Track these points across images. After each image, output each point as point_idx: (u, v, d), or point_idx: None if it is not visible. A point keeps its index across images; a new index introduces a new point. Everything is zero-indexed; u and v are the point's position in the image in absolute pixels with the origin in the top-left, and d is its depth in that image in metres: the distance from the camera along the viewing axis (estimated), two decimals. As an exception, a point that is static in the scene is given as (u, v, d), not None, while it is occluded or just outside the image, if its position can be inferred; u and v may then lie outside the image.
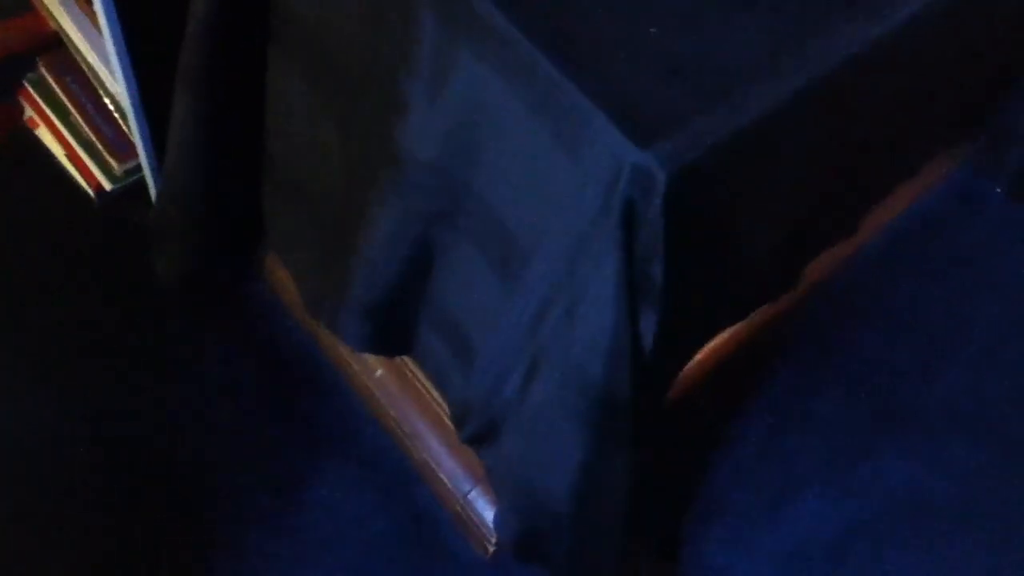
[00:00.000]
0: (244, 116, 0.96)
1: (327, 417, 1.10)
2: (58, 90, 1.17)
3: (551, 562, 0.98)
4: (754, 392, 1.21)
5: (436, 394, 1.04)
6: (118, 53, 0.94)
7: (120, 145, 1.15)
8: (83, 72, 1.12)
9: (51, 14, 1.11)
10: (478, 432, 0.92)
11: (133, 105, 1.00)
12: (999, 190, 1.39)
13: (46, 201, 1.19)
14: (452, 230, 0.82)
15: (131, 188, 1.17)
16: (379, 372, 1.08)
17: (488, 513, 1.04)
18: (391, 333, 0.96)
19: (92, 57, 1.07)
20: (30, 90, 1.18)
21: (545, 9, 0.67)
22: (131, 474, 1.05)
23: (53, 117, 1.17)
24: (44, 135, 1.21)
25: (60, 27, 1.11)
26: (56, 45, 1.15)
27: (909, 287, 1.32)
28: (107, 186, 1.16)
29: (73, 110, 1.16)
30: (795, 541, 1.12)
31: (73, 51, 1.11)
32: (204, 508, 1.03)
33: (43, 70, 1.17)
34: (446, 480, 1.05)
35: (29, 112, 1.21)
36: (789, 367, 1.23)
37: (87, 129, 1.16)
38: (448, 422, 1.02)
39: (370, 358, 1.08)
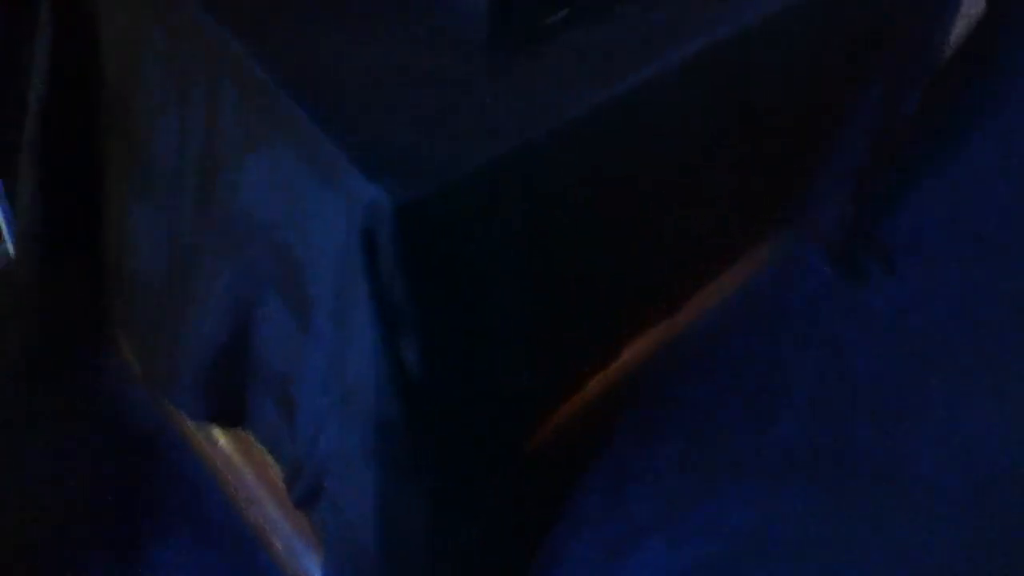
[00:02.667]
0: (84, 193, 1.03)
1: (173, 484, 1.14)
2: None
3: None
4: (597, 446, 1.27)
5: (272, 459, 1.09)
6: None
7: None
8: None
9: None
10: (306, 492, 0.96)
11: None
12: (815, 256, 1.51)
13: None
14: (261, 283, 0.88)
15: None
16: (220, 441, 1.13)
17: (322, 576, 1.07)
18: (225, 402, 1.01)
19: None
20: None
21: (309, 72, 0.75)
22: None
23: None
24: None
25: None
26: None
27: (739, 344, 1.41)
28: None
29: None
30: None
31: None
32: (47, 565, 1.06)
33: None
34: (281, 546, 1.09)
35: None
36: (630, 420, 1.30)
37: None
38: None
39: (212, 427, 1.13)
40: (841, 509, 1.25)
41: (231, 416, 1.02)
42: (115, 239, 1.02)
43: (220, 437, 1.12)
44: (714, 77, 0.92)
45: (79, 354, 1.19)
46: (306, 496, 0.96)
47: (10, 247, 1.14)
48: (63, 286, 1.08)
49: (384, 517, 0.87)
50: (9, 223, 1.13)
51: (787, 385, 1.38)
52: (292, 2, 0.81)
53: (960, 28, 1.63)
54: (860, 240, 1.53)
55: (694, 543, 1.20)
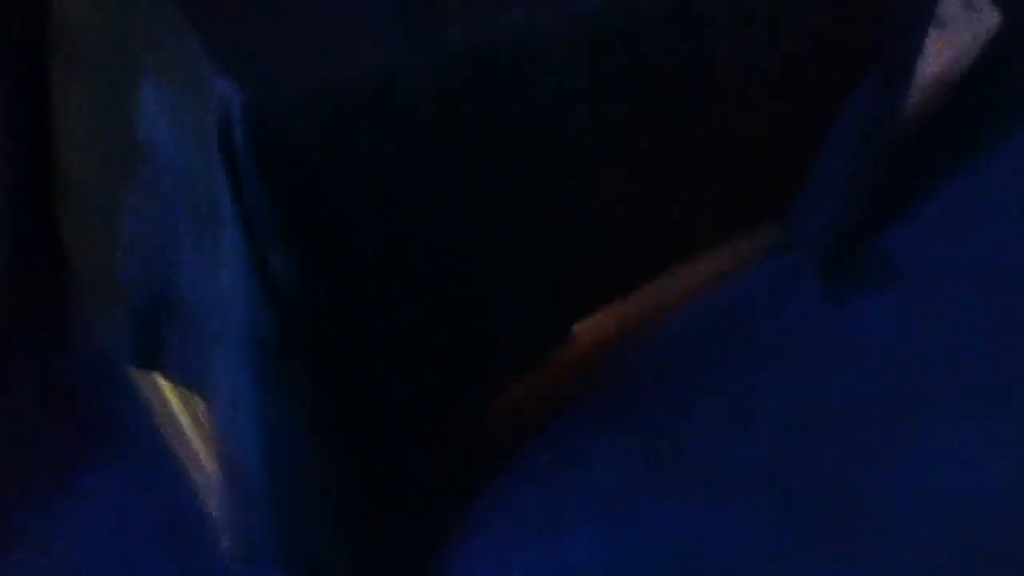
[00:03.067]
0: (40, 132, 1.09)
1: (109, 416, 1.19)
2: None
3: (273, 556, 1.03)
4: (547, 431, 1.26)
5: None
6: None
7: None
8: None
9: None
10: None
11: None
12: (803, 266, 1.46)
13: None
14: (170, 211, 0.92)
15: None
16: (160, 381, 1.17)
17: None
18: (145, 341, 1.04)
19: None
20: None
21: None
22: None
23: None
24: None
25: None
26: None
27: (714, 353, 1.38)
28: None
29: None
30: (556, 567, 1.15)
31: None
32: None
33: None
34: (202, 478, 1.12)
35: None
36: (586, 412, 1.29)
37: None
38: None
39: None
40: (793, 534, 1.22)
41: (150, 357, 1.06)
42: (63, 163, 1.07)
43: (159, 379, 1.17)
44: (661, 28, 0.92)
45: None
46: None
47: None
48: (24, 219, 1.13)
49: (266, 439, 0.89)
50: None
51: (760, 401, 1.34)
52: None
53: (972, 43, 1.60)
54: (852, 254, 1.50)
55: (630, 538, 1.18)
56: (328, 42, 0.77)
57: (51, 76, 1.04)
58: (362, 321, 0.90)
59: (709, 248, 1.38)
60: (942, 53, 1.55)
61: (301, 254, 0.79)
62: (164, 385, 1.14)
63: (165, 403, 1.15)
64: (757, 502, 1.24)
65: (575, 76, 0.90)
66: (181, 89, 0.78)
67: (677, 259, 1.32)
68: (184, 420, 1.13)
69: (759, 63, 1.12)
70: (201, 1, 0.76)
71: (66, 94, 1.01)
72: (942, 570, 1.21)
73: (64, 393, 1.20)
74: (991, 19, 1.61)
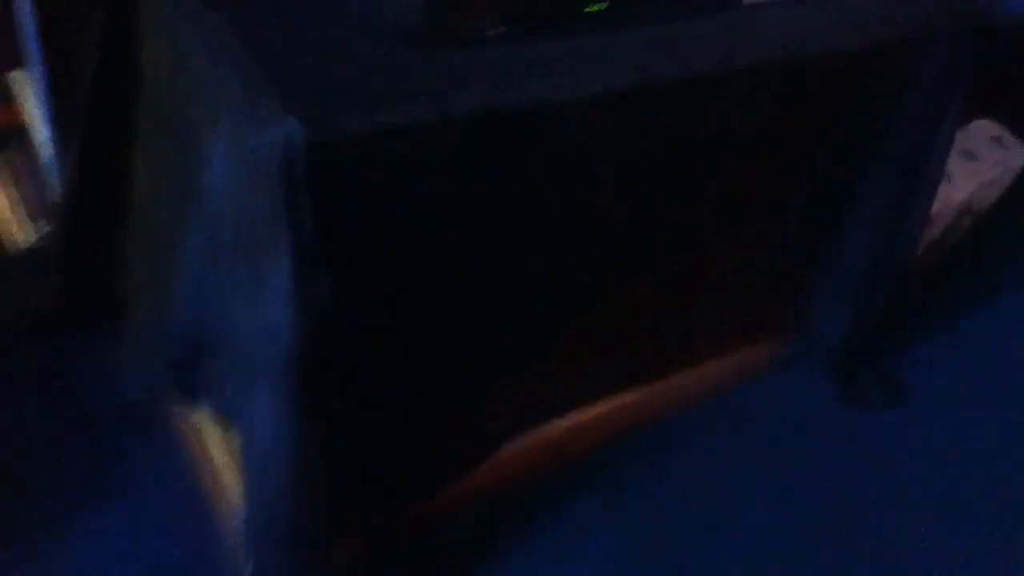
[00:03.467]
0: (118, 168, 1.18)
1: (146, 450, 1.25)
2: (14, 170, 1.45)
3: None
4: (535, 520, 1.29)
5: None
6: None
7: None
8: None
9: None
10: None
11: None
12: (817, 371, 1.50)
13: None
14: (221, 248, 1.00)
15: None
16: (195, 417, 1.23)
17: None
18: (184, 375, 1.11)
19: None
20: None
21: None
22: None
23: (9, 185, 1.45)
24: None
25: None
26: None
27: (714, 447, 1.41)
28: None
29: (23, 184, 1.44)
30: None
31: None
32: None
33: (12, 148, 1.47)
34: (230, 515, 1.17)
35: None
36: (575, 506, 1.31)
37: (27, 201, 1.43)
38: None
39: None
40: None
41: (193, 388, 1.12)
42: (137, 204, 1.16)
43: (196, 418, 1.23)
44: (660, 117, 0.99)
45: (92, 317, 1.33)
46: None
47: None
48: (90, 251, 1.22)
49: (298, 463, 0.94)
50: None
51: (752, 500, 1.36)
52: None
53: (1000, 177, 1.67)
54: (868, 362, 1.54)
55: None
56: (382, 86, 0.85)
57: (134, 122, 1.14)
58: (396, 349, 0.96)
59: (719, 353, 1.43)
60: (970, 183, 1.61)
61: (344, 282, 0.85)
62: (200, 424, 1.21)
63: (201, 441, 1.21)
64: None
65: (620, 148, 0.97)
66: (244, 133, 0.86)
67: (683, 360, 1.36)
68: (218, 457, 1.18)
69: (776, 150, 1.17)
70: (265, 49, 0.86)
71: (146, 141, 1.11)
72: None
73: (106, 421, 1.27)
74: (1018, 156, 1.68)
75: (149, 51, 1.07)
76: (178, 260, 1.02)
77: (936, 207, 1.56)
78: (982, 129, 1.72)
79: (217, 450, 1.20)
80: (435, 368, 1.01)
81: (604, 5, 0.95)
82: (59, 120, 1.24)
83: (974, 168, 1.63)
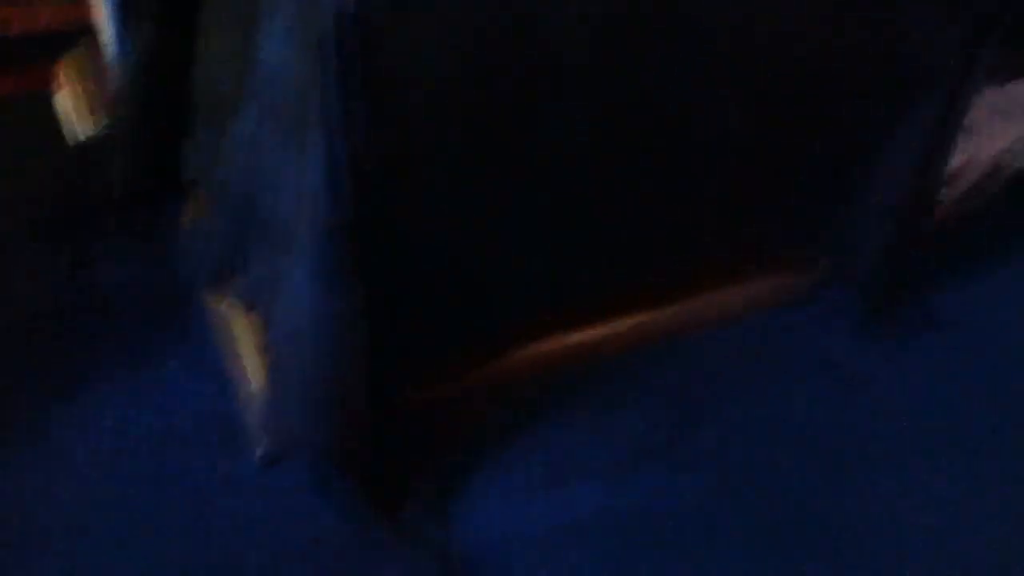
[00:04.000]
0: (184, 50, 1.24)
1: (179, 324, 1.34)
2: (86, 66, 1.53)
3: (311, 448, 1.14)
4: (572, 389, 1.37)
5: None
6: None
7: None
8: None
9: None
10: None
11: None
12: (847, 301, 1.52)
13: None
14: (275, 129, 1.05)
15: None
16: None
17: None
18: (233, 258, 1.18)
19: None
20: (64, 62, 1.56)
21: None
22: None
23: (75, 81, 1.53)
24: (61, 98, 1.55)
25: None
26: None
27: (727, 369, 1.46)
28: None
29: (92, 80, 1.52)
30: (562, 518, 1.24)
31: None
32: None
33: (82, 47, 1.55)
34: (243, 389, 1.24)
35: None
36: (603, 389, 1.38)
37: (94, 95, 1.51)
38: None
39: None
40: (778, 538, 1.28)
41: (231, 269, 1.20)
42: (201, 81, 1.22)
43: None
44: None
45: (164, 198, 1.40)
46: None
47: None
48: (160, 127, 1.29)
49: (322, 330, 1.02)
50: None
51: (769, 406, 1.41)
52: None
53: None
54: (898, 297, 1.57)
55: (629, 499, 1.26)
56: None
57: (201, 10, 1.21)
58: (423, 231, 1.02)
59: (747, 276, 1.48)
60: (1002, 139, 1.63)
61: (383, 154, 0.92)
62: (228, 307, 1.28)
63: (228, 323, 1.29)
64: (747, 494, 1.31)
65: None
66: (299, 11, 0.93)
67: (708, 283, 1.42)
68: (240, 338, 1.26)
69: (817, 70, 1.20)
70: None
71: (210, 23, 1.18)
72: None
73: (147, 291, 1.37)
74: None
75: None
76: (234, 136, 1.09)
77: (964, 161, 1.60)
78: (1018, 89, 1.74)
79: (242, 332, 1.28)
80: (460, 249, 1.07)
81: None
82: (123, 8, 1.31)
83: (1006, 126, 1.65)
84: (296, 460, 1.18)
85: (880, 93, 1.28)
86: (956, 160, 1.58)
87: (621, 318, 1.38)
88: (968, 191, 1.69)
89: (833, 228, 1.44)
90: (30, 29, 1.55)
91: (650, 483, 1.29)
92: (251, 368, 1.24)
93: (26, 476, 1.19)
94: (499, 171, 1.05)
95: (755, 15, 1.08)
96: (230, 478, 1.21)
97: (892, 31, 1.21)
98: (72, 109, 1.53)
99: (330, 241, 0.95)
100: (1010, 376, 1.53)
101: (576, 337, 1.35)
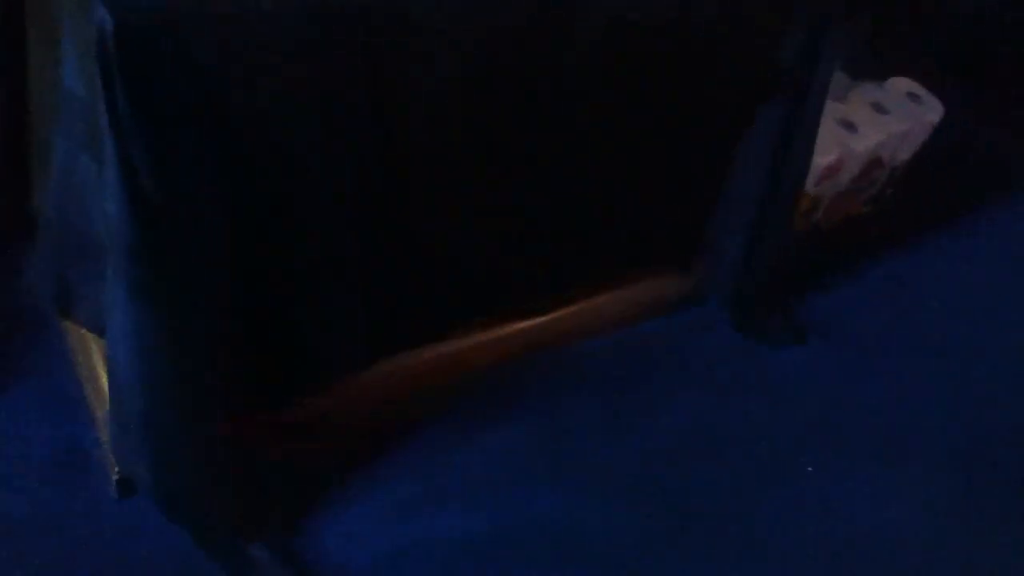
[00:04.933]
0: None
1: (30, 350, 1.31)
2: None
3: (148, 488, 1.11)
4: (435, 419, 1.34)
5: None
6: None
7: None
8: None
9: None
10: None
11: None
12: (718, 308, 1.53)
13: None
14: (78, 147, 1.03)
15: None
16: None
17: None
18: (62, 284, 1.15)
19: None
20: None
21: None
22: None
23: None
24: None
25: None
26: None
27: (614, 371, 1.44)
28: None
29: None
30: (415, 540, 1.21)
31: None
32: None
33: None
34: (102, 419, 1.21)
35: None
36: (478, 407, 1.35)
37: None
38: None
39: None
40: (664, 535, 1.27)
41: (65, 300, 1.17)
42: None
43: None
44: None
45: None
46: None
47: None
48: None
49: (139, 350, 0.98)
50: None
51: (655, 418, 1.39)
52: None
53: (915, 132, 1.69)
54: (768, 299, 1.56)
55: (491, 518, 1.24)
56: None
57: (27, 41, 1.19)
58: (225, 241, 0.99)
59: (621, 281, 1.47)
60: (877, 134, 1.63)
61: (166, 169, 0.89)
62: (83, 331, 1.25)
63: (83, 346, 1.26)
64: (630, 501, 1.29)
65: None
66: (85, 34, 0.90)
67: (581, 286, 1.40)
68: (97, 361, 1.23)
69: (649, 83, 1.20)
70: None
71: (32, 52, 1.15)
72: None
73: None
74: (934, 111, 1.70)
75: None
76: (52, 162, 1.07)
77: (839, 155, 1.60)
78: (898, 85, 1.74)
79: (97, 353, 1.24)
80: (284, 266, 1.05)
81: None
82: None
83: (883, 120, 1.65)
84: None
85: (728, 95, 1.27)
86: (831, 156, 1.58)
87: (493, 328, 1.37)
88: (854, 186, 1.69)
89: (699, 234, 1.43)
90: None
91: (513, 501, 1.27)
92: (106, 391, 1.21)
93: None
94: (327, 181, 1.02)
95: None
96: (77, 513, 1.17)
97: (735, 34, 1.21)
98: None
99: (134, 262, 0.93)
100: (885, 381, 1.52)
101: (447, 348, 1.33)
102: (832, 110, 1.62)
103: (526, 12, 1.03)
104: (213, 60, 0.87)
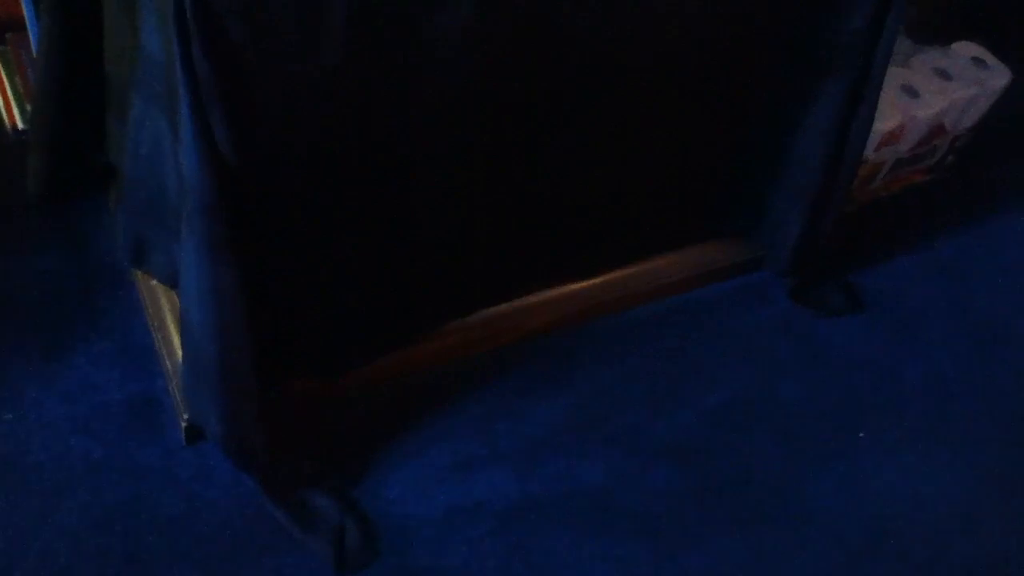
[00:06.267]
0: (94, 39, 1.25)
1: (109, 306, 1.35)
2: (12, 60, 1.55)
3: (214, 430, 1.16)
4: (482, 380, 1.36)
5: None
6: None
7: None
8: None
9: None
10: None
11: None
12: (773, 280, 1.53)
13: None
14: (160, 109, 1.06)
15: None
16: (154, 280, 1.33)
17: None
18: (141, 241, 1.20)
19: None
20: (-7, 56, 1.58)
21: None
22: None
23: (3, 76, 1.55)
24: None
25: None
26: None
27: (660, 339, 1.45)
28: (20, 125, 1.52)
29: (18, 74, 1.54)
30: (467, 501, 1.25)
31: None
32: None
33: (8, 45, 1.57)
34: (172, 369, 1.26)
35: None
36: (529, 375, 1.37)
37: (22, 89, 1.53)
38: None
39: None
40: (703, 505, 1.28)
41: (140, 253, 1.21)
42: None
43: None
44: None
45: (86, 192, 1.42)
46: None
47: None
48: (73, 116, 1.30)
49: (214, 305, 1.02)
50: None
51: (701, 388, 1.40)
52: None
53: (979, 99, 1.66)
54: (827, 269, 1.56)
55: (539, 483, 1.27)
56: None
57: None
58: (310, 208, 1.03)
59: (675, 247, 1.48)
60: (940, 101, 1.61)
61: (240, 126, 0.92)
62: (156, 284, 1.30)
63: (153, 300, 1.30)
64: (674, 471, 1.31)
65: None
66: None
67: (638, 252, 1.42)
68: (168, 315, 1.28)
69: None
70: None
71: (108, 13, 1.19)
72: (842, 567, 1.25)
73: (78, 285, 1.37)
74: (1001, 77, 1.67)
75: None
76: (128, 121, 1.10)
77: (900, 122, 1.58)
78: (964, 49, 1.72)
79: (168, 307, 1.29)
80: (352, 231, 1.07)
81: None
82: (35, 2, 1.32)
83: (946, 87, 1.63)
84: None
85: (790, 69, 1.27)
86: (892, 122, 1.57)
87: (549, 288, 1.39)
88: (914, 152, 1.68)
89: (759, 201, 1.43)
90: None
91: (558, 467, 1.29)
92: (176, 346, 1.25)
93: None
94: (390, 153, 1.04)
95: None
96: (150, 457, 1.22)
97: (796, 11, 1.21)
98: (5, 101, 1.55)
99: (206, 219, 0.96)
100: (939, 355, 1.51)
101: (503, 309, 1.35)
102: (894, 75, 1.60)
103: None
104: (287, 24, 0.89)
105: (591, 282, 1.43)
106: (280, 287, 1.08)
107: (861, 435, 1.39)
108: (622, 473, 1.30)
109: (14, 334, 1.31)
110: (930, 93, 1.61)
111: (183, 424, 1.22)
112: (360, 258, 1.12)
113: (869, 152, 1.54)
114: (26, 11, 1.38)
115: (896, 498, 1.33)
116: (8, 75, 1.55)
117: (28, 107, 1.50)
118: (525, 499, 1.25)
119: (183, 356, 1.15)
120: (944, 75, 1.65)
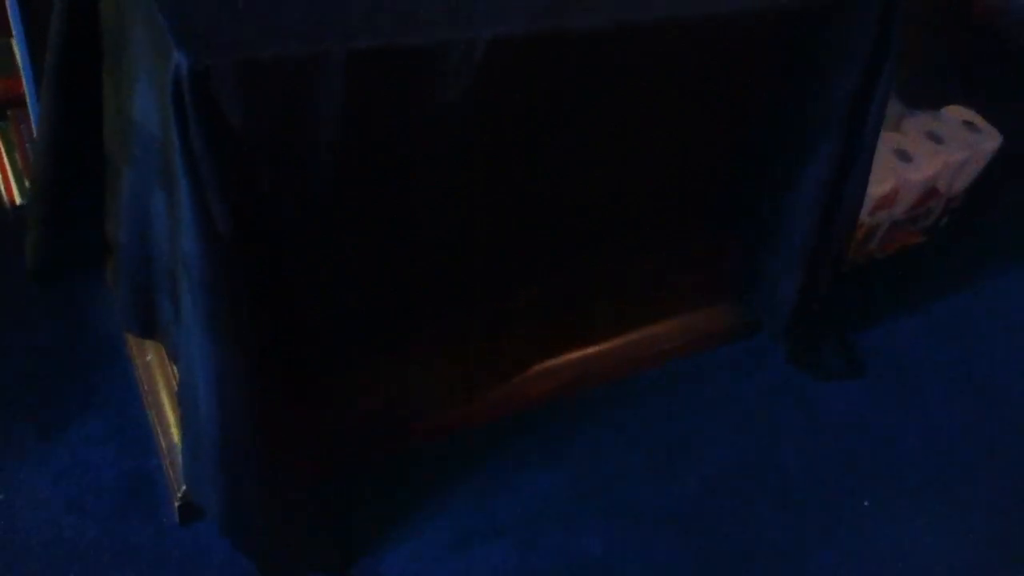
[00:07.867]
0: (92, 117, 1.25)
1: (103, 383, 1.34)
2: (13, 136, 1.57)
3: (214, 510, 1.14)
4: (486, 457, 1.35)
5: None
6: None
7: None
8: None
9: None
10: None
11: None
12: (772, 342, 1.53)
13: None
14: (151, 180, 1.06)
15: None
16: (149, 356, 1.32)
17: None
18: (142, 309, 1.19)
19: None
20: (-6, 132, 1.59)
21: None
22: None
23: (3, 152, 1.57)
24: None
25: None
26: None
27: (662, 406, 1.45)
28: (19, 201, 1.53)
29: (18, 150, 1.55)
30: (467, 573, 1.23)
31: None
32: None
33: (9, 121, 1.58)
34: (167, 447, 1.25)
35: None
36: (525, 446, 1.36)
37: (21, 165, 1.54)
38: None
39: (146, 341, 1.32)
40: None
41: (146, 325, 1.21)
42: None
43: (150, 351, 1.31)
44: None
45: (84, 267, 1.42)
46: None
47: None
48: (70, 193, 1.30)
49: (215, 382, 1.00)
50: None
51: (701, 455, 1.39)
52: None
53: (971, 162, 1.68)
54: (824, 332, 1.56)
55: (538, 555, 1.25)
56: (268, 24, 0.91)
57: (101, 74, 1.23)
58: (294, 273, 1.02)
59: (675, 313, 1.48)
60: (933, 164, 1.62)
61: (237, 202, 0.92)
62: (151, 360, 1.29)
63: (149, 377, 1.30)
64: (675, 543, 1.29)
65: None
66: (160, 73, 0.94)
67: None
68: (163, 392, 1.27)
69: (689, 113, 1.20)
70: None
71: (107, 87, 1.20)
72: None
73: (76, 360, 1.36)
74: (991, 140, 1.69)
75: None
76: (123, 194, 1.10)
77: (894, 185, 1.59)
78: (954, 114, 1.73)
79: (163, 384, 1.29)
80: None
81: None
82: (37, 81, 1.34)
83: (939, 150, 1.64)
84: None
85: (783, 131, 1.28)
86: (886, 185, 1.58)
87: (548, 358, 1.38)
88: (909, 215, 1.68)
89: (753, 265, 1.43)
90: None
91: (558, 540, 1.27)
92: (172, 423, 1.24)
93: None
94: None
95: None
96: (145, 537, 1.20)
97: (785, 83, 1.22)
98: (4, 178, 1.57)
99: (208, 296, 0.96)
100: (942, 417, 1.51)
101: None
102: (887, 139, 1.61)
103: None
104: (286, 102, 0.90)
105: (589, 350, 1.43)
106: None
107: (866, 503, 1.37)
108: (623, 545, 1.28)
109: (8, 411, 1.30)
110: (922, 156, 1.63)
111: (177, 504, 1.20)
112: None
113: (864, 215, 1.55)
114: (27, 89, 1.40)
115: (901, 570, 1.31)
116: (8, 152, 1.56)
117: (27, 184, 1.52)
118: (526, 574, 1.23)
119: (183, 434, 1.13)
120: (936, 139, 1.66)
